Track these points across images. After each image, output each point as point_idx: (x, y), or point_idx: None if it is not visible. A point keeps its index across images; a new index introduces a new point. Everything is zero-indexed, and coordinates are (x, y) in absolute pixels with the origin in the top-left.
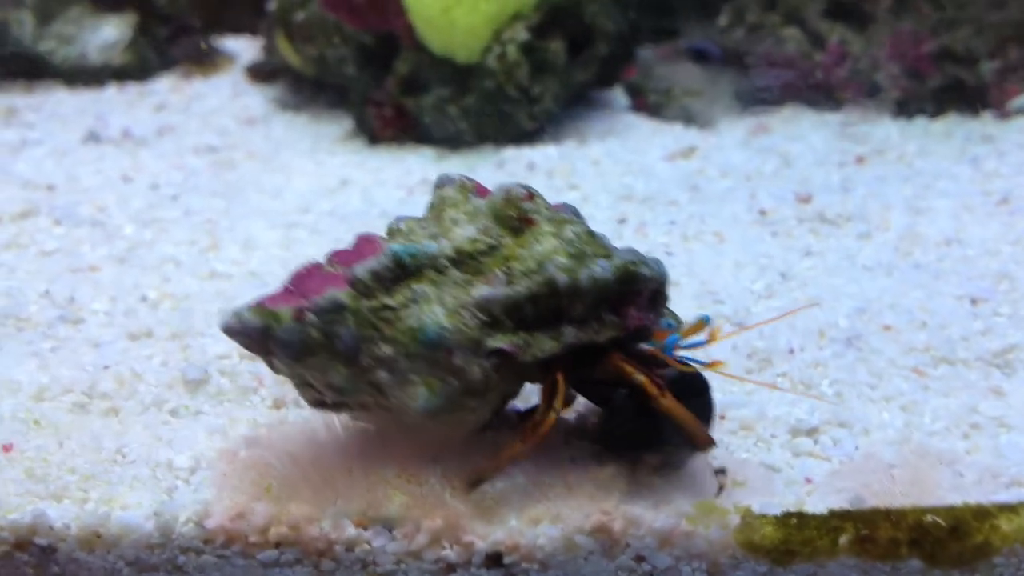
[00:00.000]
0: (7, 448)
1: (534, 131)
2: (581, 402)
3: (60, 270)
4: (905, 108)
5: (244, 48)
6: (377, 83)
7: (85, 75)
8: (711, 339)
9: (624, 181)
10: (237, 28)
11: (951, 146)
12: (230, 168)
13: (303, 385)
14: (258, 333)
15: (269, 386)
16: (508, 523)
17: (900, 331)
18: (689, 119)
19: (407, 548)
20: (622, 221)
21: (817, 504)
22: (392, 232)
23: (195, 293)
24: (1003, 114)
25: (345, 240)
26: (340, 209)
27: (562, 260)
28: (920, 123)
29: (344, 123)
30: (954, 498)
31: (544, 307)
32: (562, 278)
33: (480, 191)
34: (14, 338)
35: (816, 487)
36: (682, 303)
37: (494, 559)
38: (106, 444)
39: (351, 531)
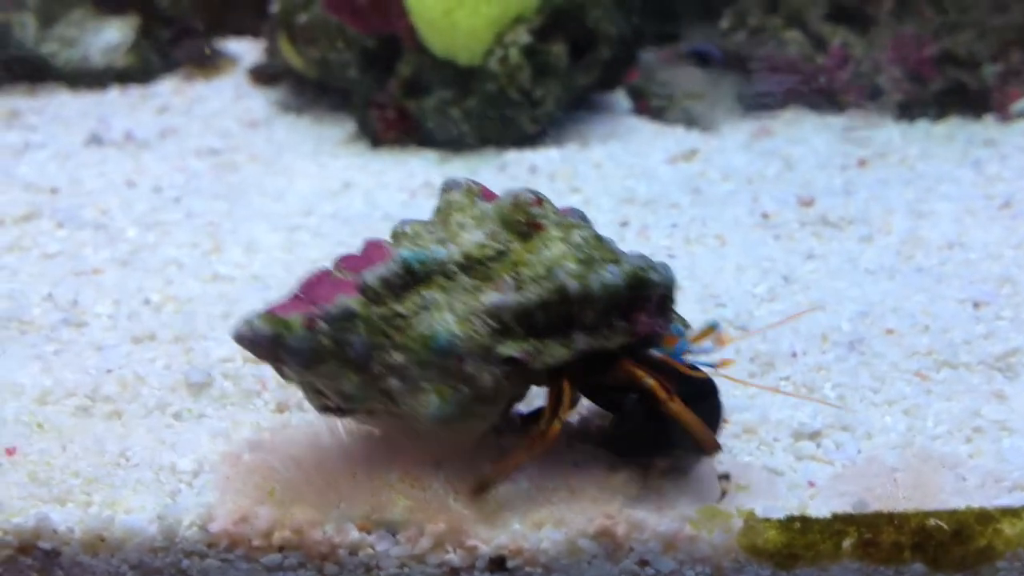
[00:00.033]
0: (10, 452)
1: (536, 134)
2: (584, 405)
3: (63, 273)
4: (907, 111)
5: (246, 50)
6: (379, 85)
7: (87, 77)
8: (721, 344)
9: (626, 184)
10: (239, 30)
11: (953, 149)
12: (232, 171)
13: (312, 392)
14: (269, 341)
15: (272, 389)
16: (512, 527)
17: (903, 335)
18: (691, 122)
19: (411, 552)
20: (624, 224)
21: (820, 508)
22: (397, 236)
23: (198, 296)
24: (1005, 117)
25: (348, 243)
26: (342, 212)
27: (571, 266)
28: (922, 126)
29: (346, 126)
30: (957, 502)
31: (555, 314)
32: (573, 285)
33: (486, 195)
34: (17, 341)
35: (819, 491)
36: (684, 306)
37: (497, 563)
38: (109, 447)
39: (355, 535)
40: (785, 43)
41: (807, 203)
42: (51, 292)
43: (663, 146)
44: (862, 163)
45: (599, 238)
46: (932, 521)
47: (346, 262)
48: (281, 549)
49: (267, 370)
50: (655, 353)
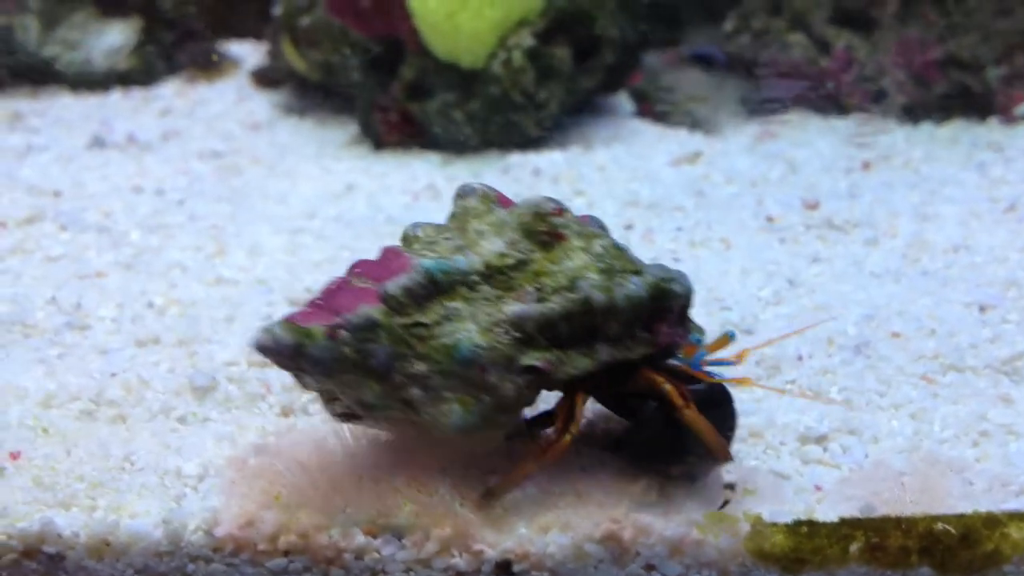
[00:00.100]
0: (15, 456)
1: (539, 137)
2: (590, 408)
3: (66, 276)
4: (911, 114)
5: (249, 53)
6: (382, 88)
7: (90, 80)
8: (739, 358)
9: (630, 187)
10: (242, 33)
11: (957, 152)
12: (235, 173)
13: (330, 399)
14: (290, 350)
15: (277, 393)
16: (518, 531)
17: (909, 338)
18: (694, 125)
19: (416, 556)
20: (629, 227)
21: (827, 512)
22: (409, 240)
23: (202, 299)
24: (1009, 120)
25: (351, 246)
26: (346, 215)
27: (595, 277)
28: (926, 129)
29: (349, 128)
30: (964, 506)
31: (578, 325)
32: (598, 297)
33: (502, 201)
34: (21, 345)
35: (826, 495)
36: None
37: (504, 567)
38: (114, 451)
39: (360, 539)
40: (789, 46)
41: (812, 206)
42: (54, 295)
43: (667, 149)
44: (866, 166)
45: (618, 247)
46: (939, 525)
47: (363, 269)
48: (287, 553)
49: (271, 374)
50: (674, 363)
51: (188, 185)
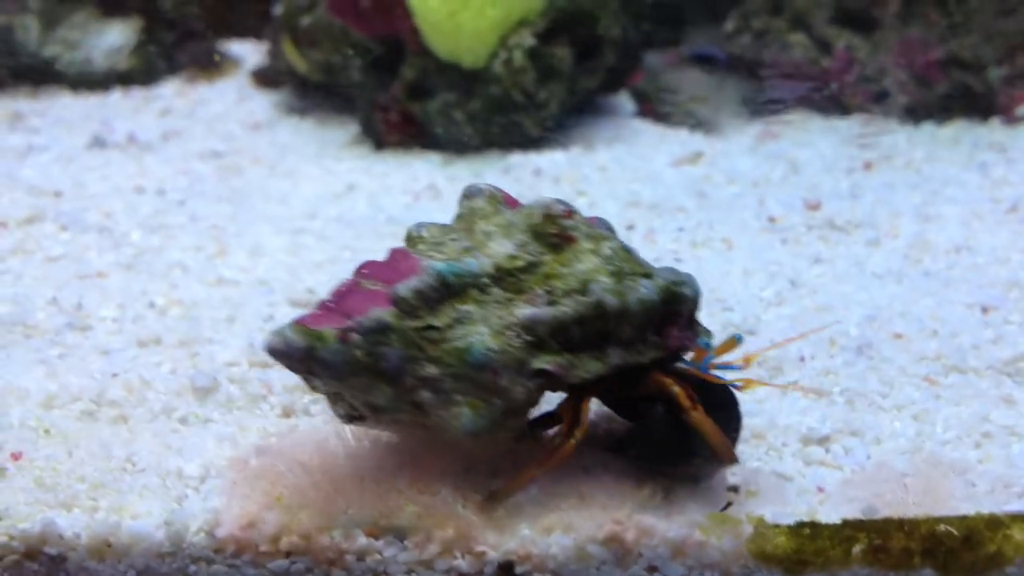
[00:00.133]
0: (16, 457)
1: (540, 137)
2: (592, 409)
3: (67, 276)
4: (912, 114)
5: (249, 53)
6: (383, 88)
7: (90, 80)
8: (747, 362)
9: (631, 187)
10: (243, 33)
11: (959, 152)
12: (236, 174)
13: (338, 401)
14: (301, 353)
15: (278, 394)
16: (520, 533)
17: (911, 339)
18: (695, 125)
19: (419, 558)
20: (631, 228)
21: (829, 513)
22: (414, 240)
23: (203, 300)
24: (1011, 121)
25: (352, 246)
26: (347, 215)
27: (606, 280)
28: (928, 129)
29: (350, 128)
30: (966, 508)
31: (591, 329)
32: (612, 301)
33: (509, 201)
34: (22, 345)
35: (828, 496)
36: None
37: (506, 569)
38: (115, 452)
39: (362, 540)
40: (790, 46)
41: (813, 207)
42: (55, 296)
43: (668, 149)
44: (868, 166)
45: (626, 249)
46: (942, 527)
47: (370, 270)
48: (288, 555)
49: (273, 374)
50: (682, 366)
51: (189, 185)
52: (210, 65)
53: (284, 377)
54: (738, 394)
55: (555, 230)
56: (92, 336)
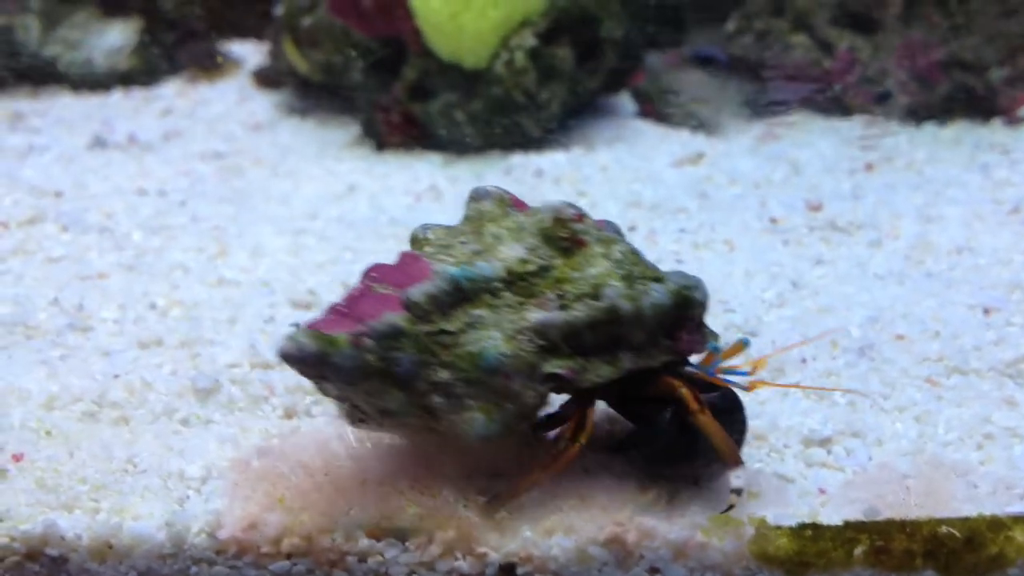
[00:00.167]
0: (17, 458)
1: (541, 137)
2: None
3: (68, 277)
4: (914, 115)
5: (250, 53)
6: (384, 89)
7: (91, 80)
8: (754, 367)
9: (632, 188)
10: (243, 33)
11: (960, 153)
12: (237, 174)
13: (347, 405)
14: (315, 359)
15: (280, 395)
16: (522, 534)
17: (913, 341)
18: (696, 126)
19: (420, 559)
20: (632, 228)
21: (831, 515)
22: (420, 242)
23: (204, 300)
24: (1012, 122)
25: (353, 247)
26: (348, 215)
27: (618, 285)
28: (929, 130)
29: (351, 129)
30: (968, 509)
31: (603, 333)
32: (625, 306)
33: (516, 204)
34: (23, 346)
35: (830, 498)
36: None
37: (507, 570)
38: (117, 454)
39: (364, 542)
40: (791, 47)
41: (815, 208)
42: (56, 297)
43: (669, 150)
44: (869, 167)
45: (635, 252)
46: (944, 528)
47: (380, 274)
48: (290, 556)
49: (274, 376)
50: (690, 369)
51: (190, 186)
52: (211, 65)
53: (286, 378)
54: (743, 396)
55: (566, 234)
56: (93, 337)
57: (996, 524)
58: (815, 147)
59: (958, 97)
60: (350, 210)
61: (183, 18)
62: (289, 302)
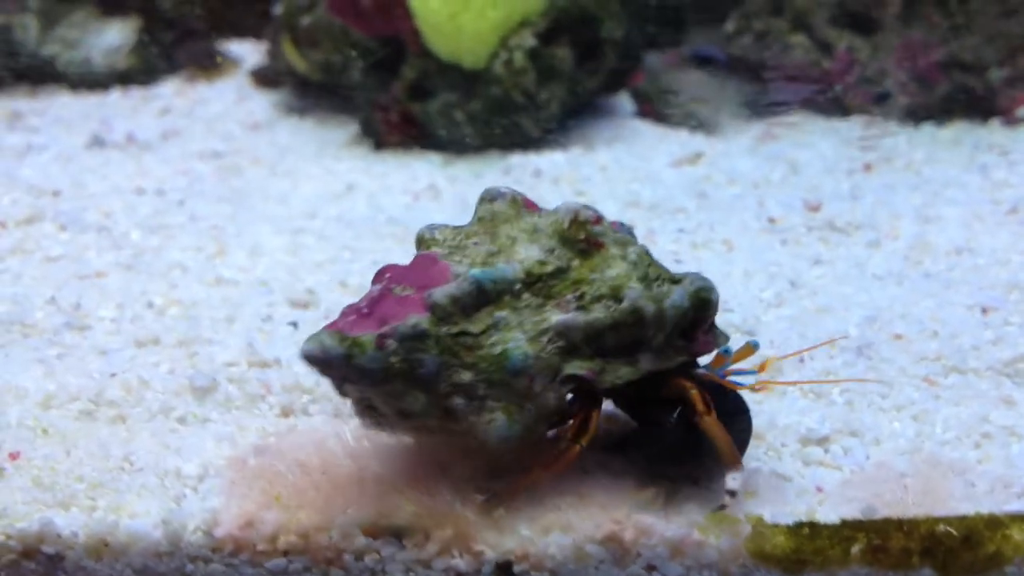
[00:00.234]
0: (14, 456)
1: (540, 137)
2: None
3: (66, 276)
4: (913, 115)
5: (249, 52)
6: (383, 88)
7: (89, 79)
8: (763, 370)
9: (631, 188)
10: (242, 32)
11: (959, 154)
12: (236, 173)
13: (365, 407)
14: (340, 361)
15: (277, 393)
16: (519, 532)
17: (911, 340)
18: (695, 125)
19: (417, 557)
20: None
21: (828, 514)
22: (427, 242)
23: (202, 300)
24: (1011, 122)
25: (352, 246)
26: (347, 215)
27: (638, 287)
28: (928, 130)
29: (350, 128)
30: (966, 508)
31: (625, 335)
32: (649, 308)
33: (528, 205)
34: (20, 345)
35: (827, 496)
36: None
37: (504, 568)
38: (114, 452)
39: (361, 540)
40: (791, 47)
41: (814, 208)
42: (54, 295)
43: (668, 150)
44: (868, 167)
45: (648, 253)
46: (941, 527)
47: (396, 274)
48: (286, 554)
49: (272, 374)
50: (700, 371)
51: (188, 185)
52: (210, 65)
53: (283, 377)
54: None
55: (584, 235)
56: (91, 336)
57: (994, 522)
58: (814, 147)
59: (957, 97)
60: (348, 209)
61: (182, 17)
62: (287, 301)
